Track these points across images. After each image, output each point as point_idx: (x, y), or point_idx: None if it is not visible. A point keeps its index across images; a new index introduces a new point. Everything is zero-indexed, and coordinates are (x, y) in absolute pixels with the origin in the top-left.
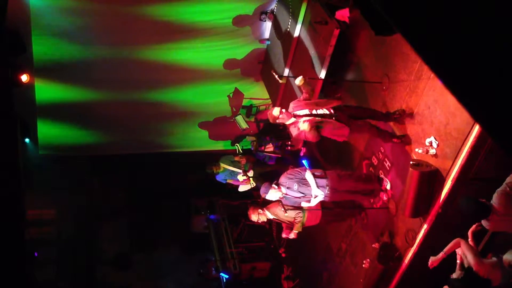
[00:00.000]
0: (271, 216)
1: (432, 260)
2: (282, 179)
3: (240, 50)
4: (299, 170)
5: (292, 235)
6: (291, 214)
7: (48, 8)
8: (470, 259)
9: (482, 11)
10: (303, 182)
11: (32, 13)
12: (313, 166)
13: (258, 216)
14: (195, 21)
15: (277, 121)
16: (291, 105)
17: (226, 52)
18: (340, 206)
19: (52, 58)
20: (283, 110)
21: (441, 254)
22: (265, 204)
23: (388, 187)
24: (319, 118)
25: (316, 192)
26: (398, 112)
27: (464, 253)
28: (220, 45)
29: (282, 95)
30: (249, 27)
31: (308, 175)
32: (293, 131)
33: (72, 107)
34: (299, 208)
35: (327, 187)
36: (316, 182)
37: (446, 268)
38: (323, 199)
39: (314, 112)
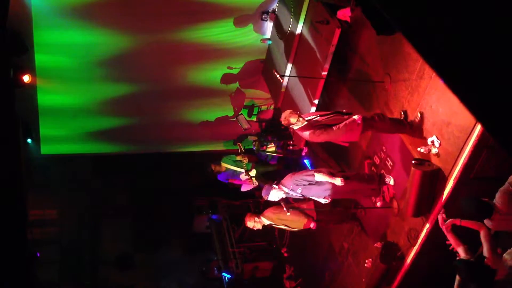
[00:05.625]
0: (267, 223)
1: (445, 222)
2: (288, 182)
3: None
4: (306, 173)
5: (311, 225)
6: (293, 217)
7: (50, 8)
8: (485, 249)
9: (483, 11)
10: (308, 186)
11: (33, 13)
12: (314, 165)
13: (253, 223)
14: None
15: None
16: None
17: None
18: (341, 206)
19: (54, 58)
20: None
21: (457, 220)
22: (267, 205)
23: (391, 182)
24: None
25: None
26: (402, 114)
27: (482, 240)
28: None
29: (283, 95)
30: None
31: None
32: (303, 135)
33: (74, 106)
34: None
35: (329, 190)
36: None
37: (448, 268)
38: (324, 200)
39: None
